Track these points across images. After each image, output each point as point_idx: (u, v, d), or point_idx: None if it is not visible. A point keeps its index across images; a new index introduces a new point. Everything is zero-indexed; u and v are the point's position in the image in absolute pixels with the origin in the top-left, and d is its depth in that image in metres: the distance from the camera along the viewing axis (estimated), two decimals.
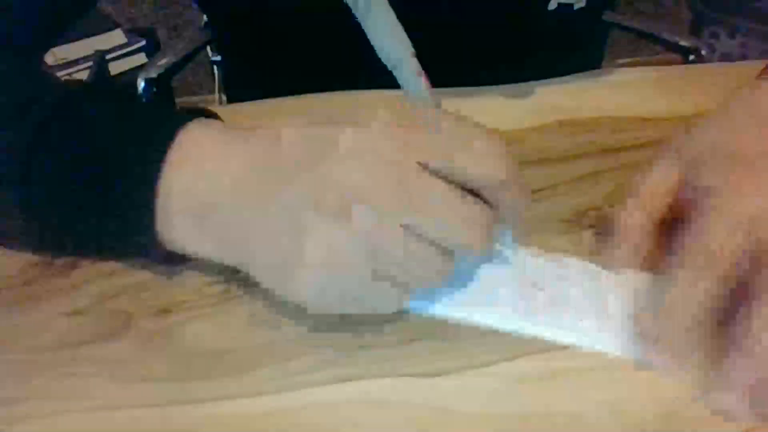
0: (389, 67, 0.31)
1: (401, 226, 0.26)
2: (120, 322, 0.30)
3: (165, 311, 0.31)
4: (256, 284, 0.30)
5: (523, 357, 0.29)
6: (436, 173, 0.27)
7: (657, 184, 0.34)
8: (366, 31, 0.30)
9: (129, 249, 0.32)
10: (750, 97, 0.36)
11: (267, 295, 0.31)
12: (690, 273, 0.28)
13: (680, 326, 0.28)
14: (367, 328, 0.29)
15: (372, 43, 0.30)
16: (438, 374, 0.28)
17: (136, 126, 0.30)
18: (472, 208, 0.27)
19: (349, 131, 0.27)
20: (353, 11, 0.30)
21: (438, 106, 0.31)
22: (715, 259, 0.28)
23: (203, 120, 0.31)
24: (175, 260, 0.31)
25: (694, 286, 0.28)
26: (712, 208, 0.29)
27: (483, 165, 0.27)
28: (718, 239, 0.28)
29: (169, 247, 0.30)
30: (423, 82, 0.31)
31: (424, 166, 0.27)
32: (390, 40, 0.30)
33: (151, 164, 0.28)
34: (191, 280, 0.32)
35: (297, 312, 0.30)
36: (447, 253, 0.27)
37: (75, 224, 0.31)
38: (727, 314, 0.28)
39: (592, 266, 0.33)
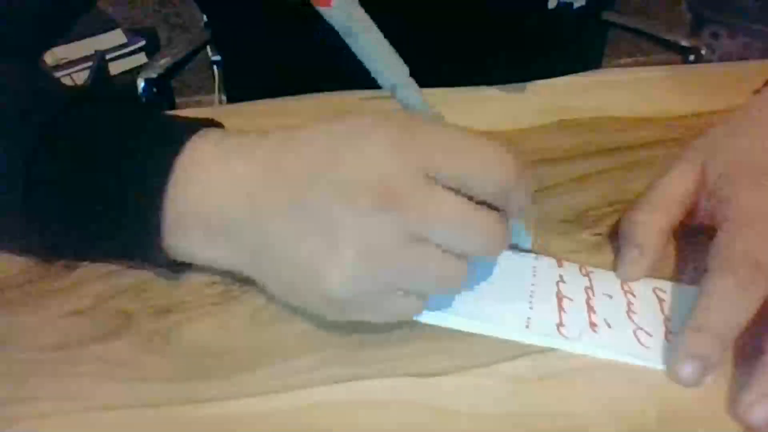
0: (386, 89, 0.30)
1: (412, 236, 0.26)
2: (120, 322, 0.30)
3: (165, 311, 0.31)
4: (256, 284, 0.30)
5: (522, 357, 0.29)
6: (443, 183, 0.26)
7: (673, 192, 0.34)
8: (358, 56, 0.29)
9: (133, 258, 0.32)
10: None
11: (267, 295, 0.31)
12: (737, 283, 0.27)
13: (723, 336, 0.27)
14: (367, 328, 0.29)
15: (366, 67, 0.30)
16: (438, 374, 0.28)
17: (140, 138, 0.30)
18: (483, 216, 0.27)
19: (360, 135, 0.27)
20: (342, 37, 0.29)
21: (442, 119, 0.31)
22: (761, 268, 0.27)
23: (208, 130, 0.30)
24: (179, 265, 0.31)
25: (742, 297, 0.27)
26: (753, 218, 0.29)
27: (490, 174, 0.27)
28: (763, 248, 0.28)
29: (179, 257, 0.30)
30: (424, 99, 0.30)
31: (430, 177, 0.26)
32: (383, 65, 0.30)
33: (156, 179, 0.28)
34: (191, 280, 0.32)
35: (297, 312, 0.30)
36: (460, 257, 0.27)
37: (77, 234, 0.31)
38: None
39: (611, 275, 0.33)
